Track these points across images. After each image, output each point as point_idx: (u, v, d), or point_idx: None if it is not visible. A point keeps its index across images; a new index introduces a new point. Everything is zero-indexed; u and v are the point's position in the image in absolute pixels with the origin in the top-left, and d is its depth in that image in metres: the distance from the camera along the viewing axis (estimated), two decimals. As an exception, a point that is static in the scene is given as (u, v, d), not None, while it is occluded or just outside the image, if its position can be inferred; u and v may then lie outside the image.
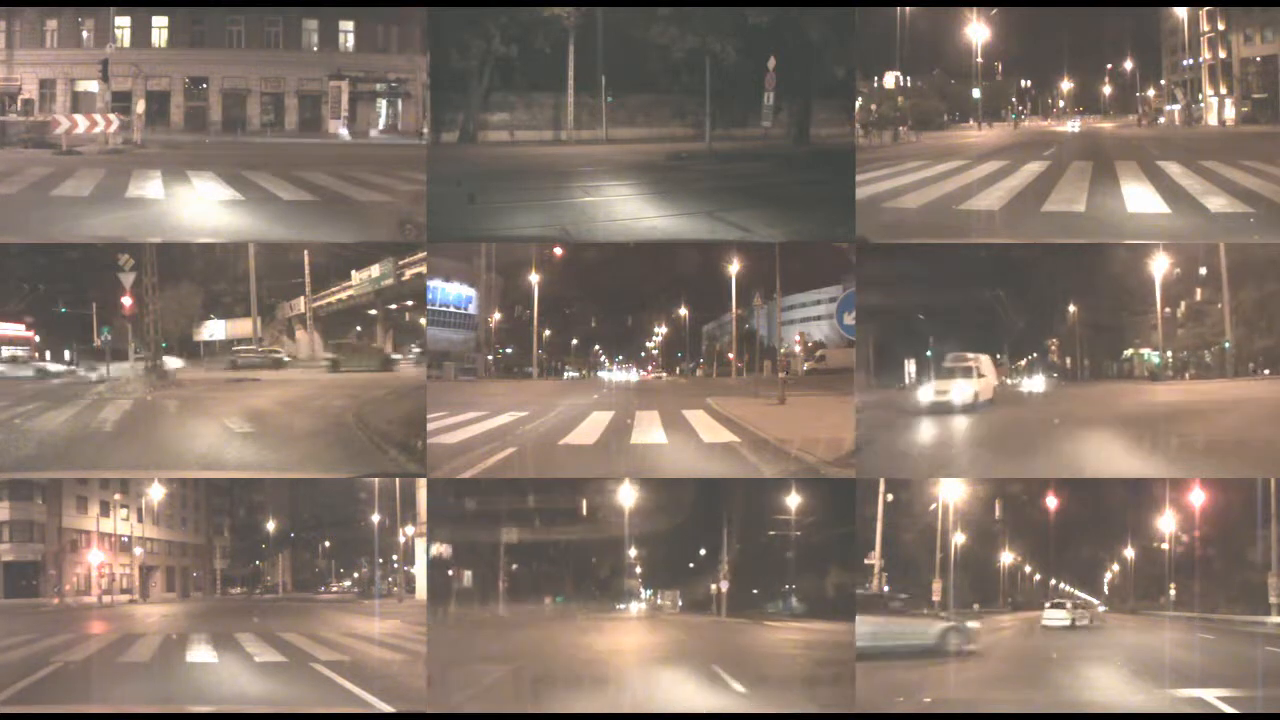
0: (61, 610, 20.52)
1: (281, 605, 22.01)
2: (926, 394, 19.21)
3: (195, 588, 22.42)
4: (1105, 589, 21.83)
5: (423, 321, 19.74)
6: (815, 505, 18.51)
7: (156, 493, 21.00)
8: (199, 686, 16.49)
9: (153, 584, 21.89)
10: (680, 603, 21.08)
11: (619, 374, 22.80)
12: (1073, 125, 22.37)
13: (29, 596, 20.62)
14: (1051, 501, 19.75)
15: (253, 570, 22.67)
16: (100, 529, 21.07)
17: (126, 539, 21.23)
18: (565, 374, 22.93)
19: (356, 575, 22.37)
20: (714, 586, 20.44)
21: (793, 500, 18.87)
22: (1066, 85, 22.57)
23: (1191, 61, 21.86)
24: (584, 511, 19.27)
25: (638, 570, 20.25)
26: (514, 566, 20.00)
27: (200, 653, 17.95)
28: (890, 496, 18.69)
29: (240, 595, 22.41)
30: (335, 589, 22.69)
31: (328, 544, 22.57)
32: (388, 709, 15.29)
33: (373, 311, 22.15)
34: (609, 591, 20.24)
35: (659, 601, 21.03)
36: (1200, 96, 22.06)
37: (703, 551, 20.62)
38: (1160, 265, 19.35)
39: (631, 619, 20.14)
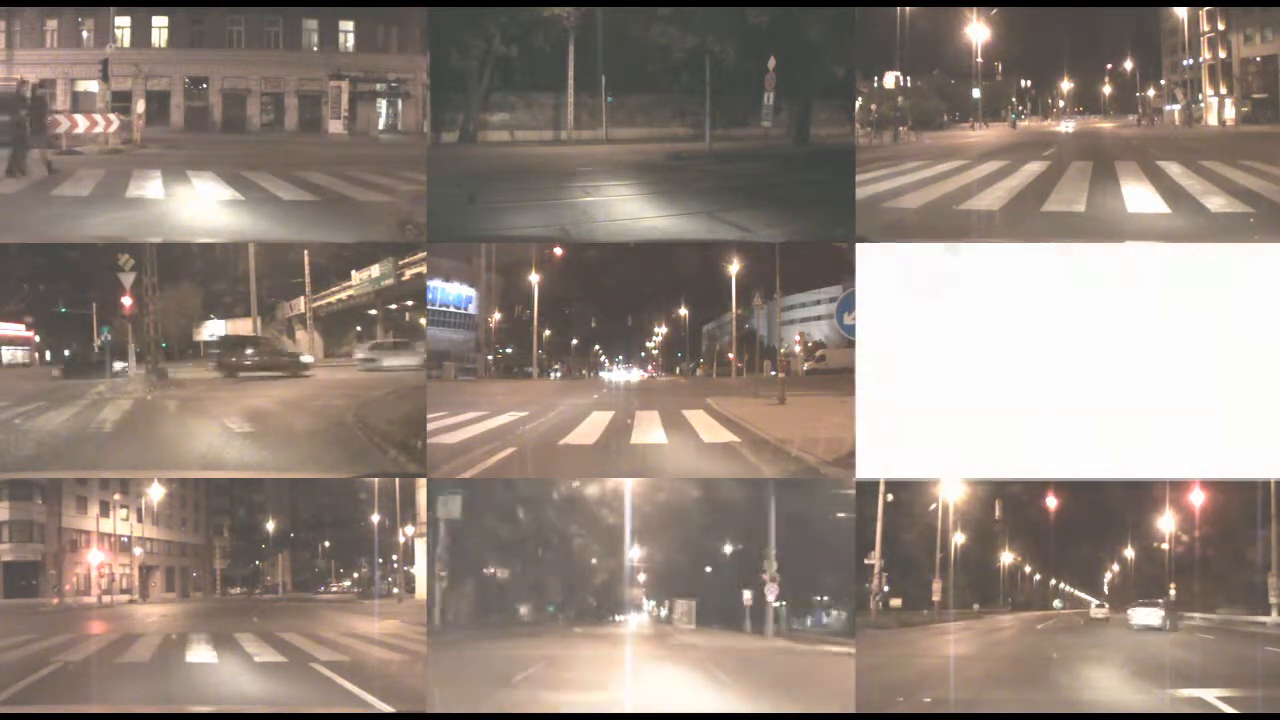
0: (61, 610, 20.52)
1: (281, 605, 22.00)
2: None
3: (195, 588, 22.41)
4: (1105, 589, 21.83)
5: (423, 321, 19.74)
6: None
7: (156, 493, 21.00)
8: (199, 686, 16.48)
9: (152, 584, 21.89)
10: (694, 617, 19.94)
11: (619, 374, 22.80)
12: (1066, 126, 22.33)
13: (29, 596, 20.62)
14: (1051, 501, 19.75)
15: (253, 570, 22.66)
16: (100, 529, 21.07)
17: (126, 539, 21.23)
18: (551, 374, 22.76)
19: (356, 575, 22.37)
20: (746, 594, 18.86)
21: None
22: (1066, 85, 22.56)
23: (1191, 61, 21.85)
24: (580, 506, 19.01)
25: (640, 577, 19.78)
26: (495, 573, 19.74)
27: (200, 653, 17.95)
28: (890, 496, 18.68)
29: (240, 595, 22.40)
30: (335, 589, 22.69)
31: (328, 544, 22.57)
32: (388, 709, 15.29)
33: (373, 311, 22.16)
34: (607, 601, 19.89)
35: (664, 614, 20.01)
36: (1200, 96, 22.05)
37: (728, 549, 19.83)
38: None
39: (630, 637, 19.36)
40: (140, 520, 21.27)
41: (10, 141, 18.70)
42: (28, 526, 20.48)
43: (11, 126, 18.79)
